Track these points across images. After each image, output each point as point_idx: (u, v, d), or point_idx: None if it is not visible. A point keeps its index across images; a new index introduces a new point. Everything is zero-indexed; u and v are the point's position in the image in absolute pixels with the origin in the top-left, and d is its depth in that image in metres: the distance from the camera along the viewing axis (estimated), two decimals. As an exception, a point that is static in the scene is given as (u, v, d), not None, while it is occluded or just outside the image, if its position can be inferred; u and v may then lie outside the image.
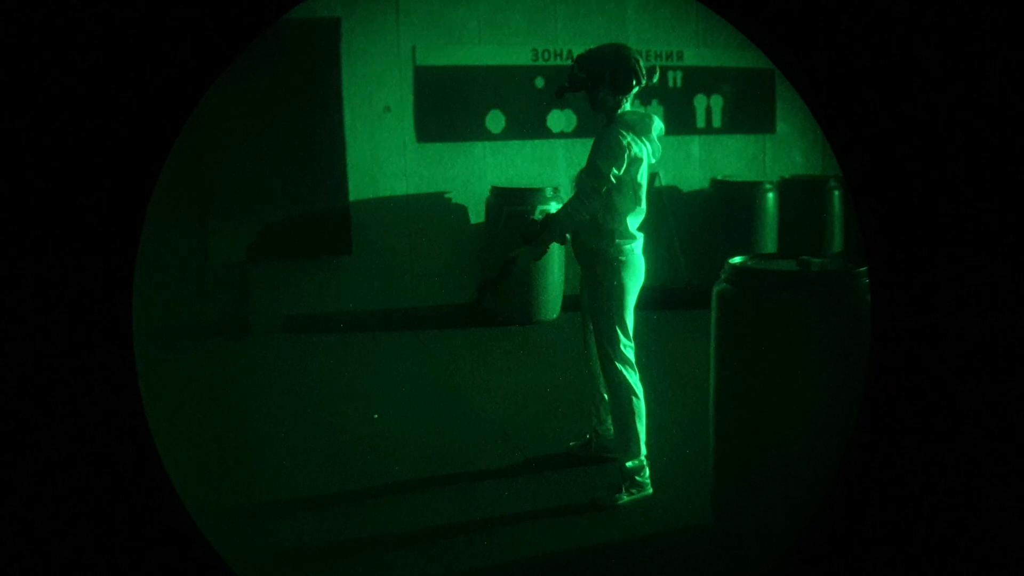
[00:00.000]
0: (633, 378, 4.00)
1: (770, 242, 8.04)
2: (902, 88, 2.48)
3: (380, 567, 3.53)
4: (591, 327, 4.13)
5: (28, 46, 2.27)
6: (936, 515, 2.49)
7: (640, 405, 4.01)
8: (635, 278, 3.99)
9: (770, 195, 8.10)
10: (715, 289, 3.52)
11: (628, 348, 3.99)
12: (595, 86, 3.91)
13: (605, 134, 3.88)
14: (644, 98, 7.99)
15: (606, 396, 4.24)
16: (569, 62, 7.78)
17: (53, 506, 2.34)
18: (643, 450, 4.04)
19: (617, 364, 3.97)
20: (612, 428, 4.35)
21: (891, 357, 2.51)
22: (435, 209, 7.68)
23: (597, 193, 3.84)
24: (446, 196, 7.72)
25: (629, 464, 4.01)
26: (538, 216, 6.91)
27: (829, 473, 3.30)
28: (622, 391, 3.98)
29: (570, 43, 7.83)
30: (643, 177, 3.96)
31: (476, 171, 7.76)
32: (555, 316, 7.15)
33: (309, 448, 4.68)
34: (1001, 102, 2.40)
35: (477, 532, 3.78)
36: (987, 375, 2.44)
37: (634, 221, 3.97)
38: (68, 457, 2.35)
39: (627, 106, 3.95)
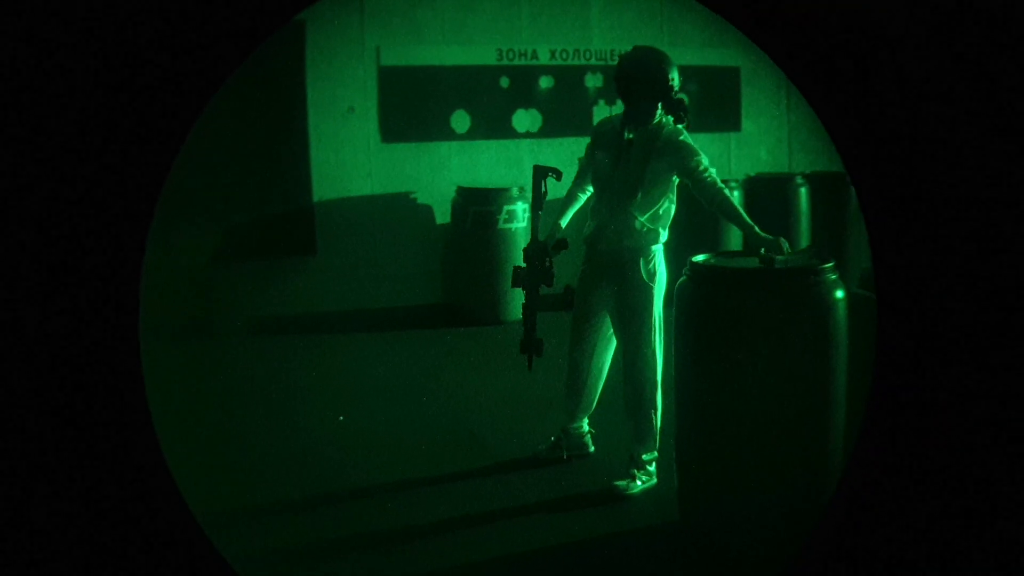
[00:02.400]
0: (659, 371, 4.08)
1: (735, 240, 8.06)
2: (902, 83, 2.49)
3: (351, 568, 3.52)
4: (599, 323, 4.17)
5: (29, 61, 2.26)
6: (938, 517, 2.50)
7: (660, 399, 4.10)
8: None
9: (736, 193, 8.12)
10: (676, 285, 3.53)
11: (658, 341, 4.08)
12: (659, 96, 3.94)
13: (684, 140, 3.93)
14: (608, 97, 8.01)
15: (592, 396, 4.30)
16: (534, 62, 7.83)
17: (52, 507, 2.33)
18: (657, 442, 4.13)
19: (649, 358, 4.05)
20: (587, 427, 4.42)
21: (896, 359, 2.51)
22: (400, 209, 7.65)
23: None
24: (411, 196, 7.70)
25: (646, 456, 4.11)
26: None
27: (792, 472, 3.32)
28: (649, 384, 4.07)
29: (535, 43, 7.83)
30: None
31: (441, 171, 7.74)
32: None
33: (276, 450, 4.64)
34: (1004, 98, 2.41)
35: (450, 532, 3.77)
36: (991, 374, 2.44)
37: None
38: (64, 457, 2.34)
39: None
